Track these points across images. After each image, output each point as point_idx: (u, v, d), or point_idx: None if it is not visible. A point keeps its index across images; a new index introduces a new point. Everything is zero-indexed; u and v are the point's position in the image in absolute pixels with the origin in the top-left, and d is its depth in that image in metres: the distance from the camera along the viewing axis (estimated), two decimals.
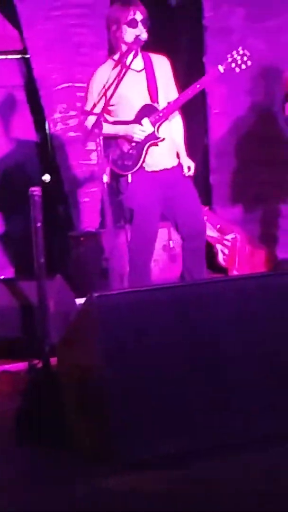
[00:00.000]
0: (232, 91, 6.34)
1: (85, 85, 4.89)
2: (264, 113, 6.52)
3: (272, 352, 3.08)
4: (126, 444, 2.90)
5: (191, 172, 4.83)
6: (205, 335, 3.05)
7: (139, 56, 4.72)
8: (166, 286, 3.34)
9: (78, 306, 4.66)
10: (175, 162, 4.81)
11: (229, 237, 6.28)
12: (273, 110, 6.26)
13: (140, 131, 4.68)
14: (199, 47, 6.62)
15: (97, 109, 4.52)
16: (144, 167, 4.71)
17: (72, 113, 6.37)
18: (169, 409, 2.95)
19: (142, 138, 4.68)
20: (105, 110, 4.57)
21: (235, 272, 6.17)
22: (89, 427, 3.07)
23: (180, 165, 4.81)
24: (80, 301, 4.48)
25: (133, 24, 4.59)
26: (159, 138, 4.71)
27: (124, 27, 4.61)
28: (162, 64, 4.79)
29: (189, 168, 4.83)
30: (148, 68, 4.72)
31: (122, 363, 2.96)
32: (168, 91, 4.79)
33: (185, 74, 5.00)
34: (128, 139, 4.69)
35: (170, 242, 5.91)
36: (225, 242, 6.26)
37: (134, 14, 4.61)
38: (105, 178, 4.50)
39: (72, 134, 6.38)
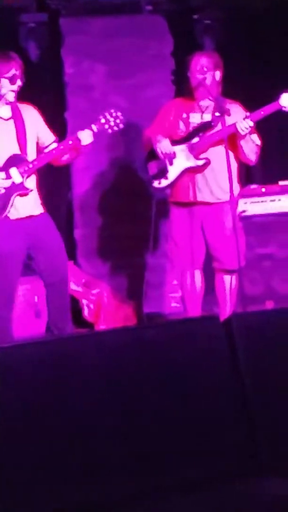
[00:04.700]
0: (95, 146, 6.39)
1: None
2: (124, 168, 6.61)
3: (133, 408, 3.05)
4: None
5: None
6: (69, 391, 3.00)
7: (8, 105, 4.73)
8: (30, 342, 3.28)
9: None
10: (41, 210, 4.81)
11: (94, 291, 6.26)
12: (133, 165, 6.35)
13: (2, 180, 4.63)
14: (60, 103, 6.67)
15: None
16: (8, 216, 4.66)
17: None
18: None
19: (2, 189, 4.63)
20: None
21: (100, 327, 6.15)
22: None
23: (45, 213, 4.82)
24: None
25: (13, 80, 4.65)
26: (28, 189, 4.69)
27: (3, 80, 4.65)
28: (30, 113, 4.82)
29: None
30: (17, 117, 4.73)
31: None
32: (44, 138, 4.82)
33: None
34: None
35: (35, 297, 5.84)
36: (91, 297, 6.24)
37: (16, 70, 4.67)
38: None
39: None
